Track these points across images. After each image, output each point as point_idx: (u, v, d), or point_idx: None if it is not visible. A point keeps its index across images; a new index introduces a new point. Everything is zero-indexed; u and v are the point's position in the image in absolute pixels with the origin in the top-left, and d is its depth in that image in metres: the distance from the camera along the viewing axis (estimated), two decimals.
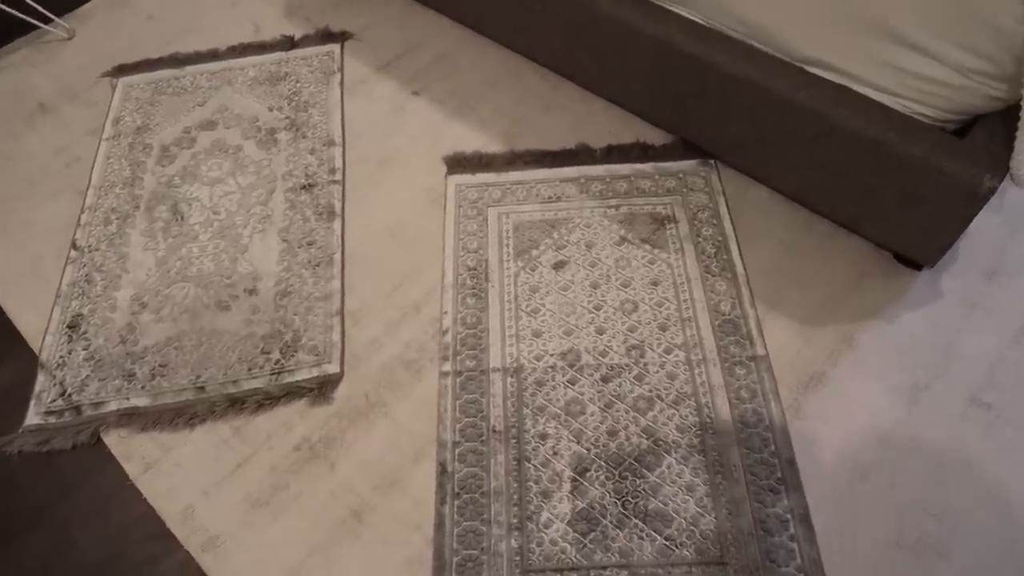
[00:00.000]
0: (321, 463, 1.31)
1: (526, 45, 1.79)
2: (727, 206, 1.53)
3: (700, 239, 1.50)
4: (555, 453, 1.28)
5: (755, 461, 1.24)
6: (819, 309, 1.39)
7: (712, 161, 1.60)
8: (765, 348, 1.35)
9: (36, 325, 1.53)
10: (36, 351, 1.49)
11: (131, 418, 1.39)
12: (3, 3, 1.94)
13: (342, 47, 1.91)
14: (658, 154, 1.62)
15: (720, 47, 1.41)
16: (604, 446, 1.28)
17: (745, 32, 1.41)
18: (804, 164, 1.42)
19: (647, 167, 1.61)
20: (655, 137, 1.65)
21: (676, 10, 1.48)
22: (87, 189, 1.71)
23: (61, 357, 1.48)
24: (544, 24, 1.66)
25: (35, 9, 1.99)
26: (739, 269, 1.45)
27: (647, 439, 1.28)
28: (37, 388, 1.45)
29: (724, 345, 1.37)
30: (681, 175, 1.59)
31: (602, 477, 1.25)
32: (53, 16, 2.02)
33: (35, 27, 2.02)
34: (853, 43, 1.29)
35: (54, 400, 1.43)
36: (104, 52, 1.99)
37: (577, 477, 1.26)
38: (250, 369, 1.42)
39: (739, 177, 1.57)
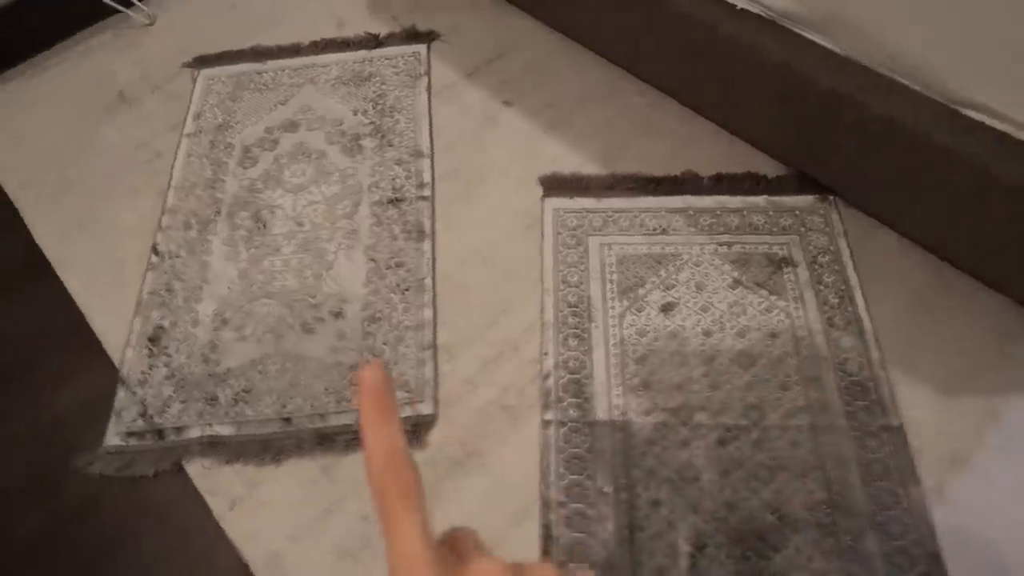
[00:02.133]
0: None
1: (628, 58, 1.47)
2: (850, 251, 1.25)
3: (821, 287, 1.22)
4: (669, 524, 1.04)
5: (894, 550, 0.99)
6: (959, 376, 1.11)
7: (832, 198, 1.31)
8: (899, 418, 1.09)
9: (117, 334, 1.28)
10: (117, 363, 1.26)
11: (215, 447, 1.16)
12: None
13: (428, 48, 1.60)
14: (772, 187, 1.32)
15: (868, 84, 1.11)
16: (723, 519, 1.04)
17: (892, 68, 1.10)
18: (947, 213, 1.14)
19: (760, 200, 1.32)
20: (767, 167, 1.35)
21: (813, 38, 1.16)
22: (168, 189, 1.44)
23: (142, 373, 1.24)
24: (654, 40, 1.35)
25: None
26: (866, 324, 1.17)
27: (771, 514, 1.03)
28: (117, 404, 1.21)
29: (853, 411, 1.10)
30: (798, 212, 1.30)
31: (723, 555, 1.01)
32: (135, 0, 1.72)
33: (116, 11, 1.72)
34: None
35: (135, 420, 1.20)
36: (185, 41, 1.69)
37: (696, 552, 1.02)
38: (338, 402, 1.18)
39: (862, 218, 1.27)
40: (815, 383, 1.13)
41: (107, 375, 1.25)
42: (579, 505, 1.06)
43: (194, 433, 1.17)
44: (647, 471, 1.08)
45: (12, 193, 1.48)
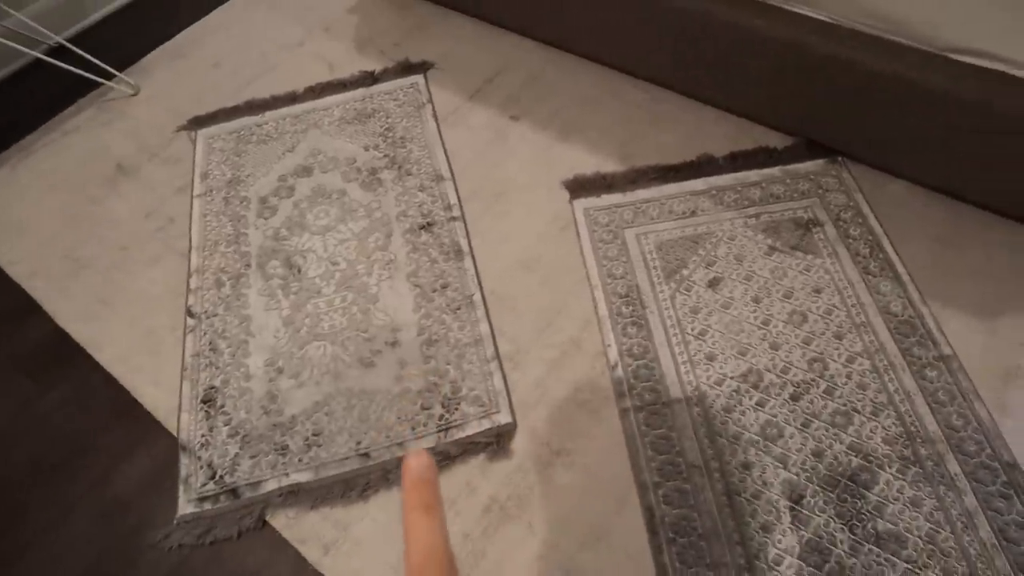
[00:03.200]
0: (517, 525, 1.11)
1: (624, 59, 1.58)
2: (868, 204, 1.36)
3: (850, 240, 1.32)
4: (764, 483, 1.10)
5: (975, 467, 1.08)
6: (994, 299, 1.23)
7: (840, 158, 1.43)
8: (950, 347, 1.19)
9: (166, 403, 1.28)
10: (173, 431, 1.26)
11: (296, 495, 1.16)
12: (61, 62, 1.67)
13: (425, 77, 1.68)
14: (783, 157, 1.44)
15: (860, 45, 1.24)
16: (813, 469, 1.11)
17: (882, 28, 1.22)
18: (954, 155, 1.26)
19: (775, 171, 1.43)
20: (774, 140, 1.47)
21: (800, 11, 1.29)
22: (189, 251, 1.46)
23: (203, 436, 1.24)
24: (650, 37, 1.46)
25: (96, 65, 1.72)
26: (899, 268, 1.28)
27: (856, 456, 1.11)
28: (183, 472, 1.21)
29: (906, 348, 1.20)
30: (812, 176, 1.42)
31: (820, 503, 1.08)
32: (115, 71, 1.74)
33: (98, 85, 1.74)
34: (1016, 26, 1.13)
35: (204, 484, 1.20)
36: (174, 105, 1.72)
37: (795, 506, 1.08)
38: (414, 428, 1.21)
39: (872, 173, 1.40)
40: (866, 328, 1.22)
41: (165, 445, 1.25)
42: (674, 482, 1.11)
43: (271, 485, 1.18)
44: (731, 437, 1.14)
45: (24, 283, 1.46)
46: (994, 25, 1.09)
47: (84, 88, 1.76)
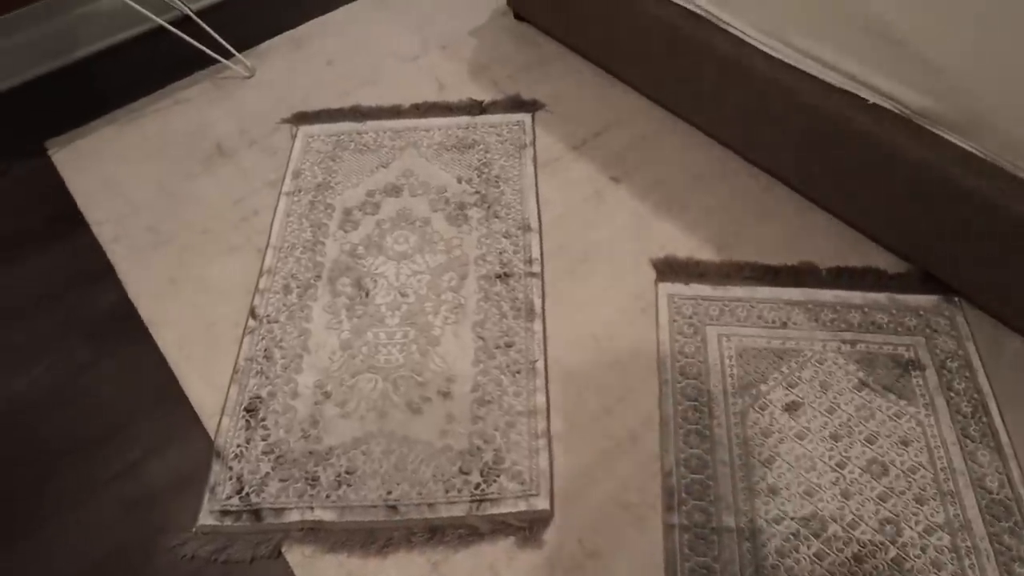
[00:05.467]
0: None
1: (740, 141, 1.49)
2: (979, 357, 1.23)
3: (952, 394, 1.20)
4: None
5: None
6: None
7: (956, 299, 1.30)
8: None
9: (211, 402, 1.27)
10: (211, 433, 1.24)
11: (316, 533, 1.13)
12: (185, 34, 1.69)
13: (533, 118, 1.62)
14: (894, 284, 1.32)
15: (1005, 187, 1.11)
16: None
17: None
18: None
19: (882, 298, 1.31)
20: (887, 262, 1.35)
21: (949, 138, 1.17)
22: (266, 248, 1.45)
23: (239, 446, 1.22)
24: (775, 126, 1.36)
25: (217, 42, 1.73)
26: (1003, 437, 1.15)
27: None
28: (212, 479, 1.19)
29: (996, 533, 1.07)
30: (922, 312, 1.29)
31: None
32: (235, 51, 1.75)
33: (215, 61, 1.75)
34: None
35: (230, 497, 1.17)
36: (283, 95, 1.72)
37: None
38: (447, 491, 1.15)
39: (989, 321, 1.27)
40: (953, 499, 1.10)
41: (201, 445, 1.23)
42: None
43: (294, 516, 1.14)
44: None
45: (106, 245, 1.48)
46: None
47: (203, 62, 1.77)
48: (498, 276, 1.38)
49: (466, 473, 1.17)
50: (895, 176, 1.24)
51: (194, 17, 1.77)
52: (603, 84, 1.68)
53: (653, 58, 1.53)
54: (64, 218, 1.55)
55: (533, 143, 1.58)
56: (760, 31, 1.32)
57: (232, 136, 1.65)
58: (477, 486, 1.15)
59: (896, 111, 1.23)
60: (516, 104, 1.65)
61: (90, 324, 1.39)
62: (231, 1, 1.98)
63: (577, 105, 1.65)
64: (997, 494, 1.11)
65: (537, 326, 1.32)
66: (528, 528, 1.11)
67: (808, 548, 1.08)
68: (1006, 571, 1.04)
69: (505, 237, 1.44)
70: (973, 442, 1.16)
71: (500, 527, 1.11)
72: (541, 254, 1.40)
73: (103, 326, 1.40)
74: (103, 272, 1.46)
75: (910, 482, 1.12)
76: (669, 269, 1.37)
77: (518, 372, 1.27)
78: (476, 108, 1.64)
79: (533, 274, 1.38)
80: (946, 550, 1.06)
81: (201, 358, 1.33)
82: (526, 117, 1.63)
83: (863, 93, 1.23)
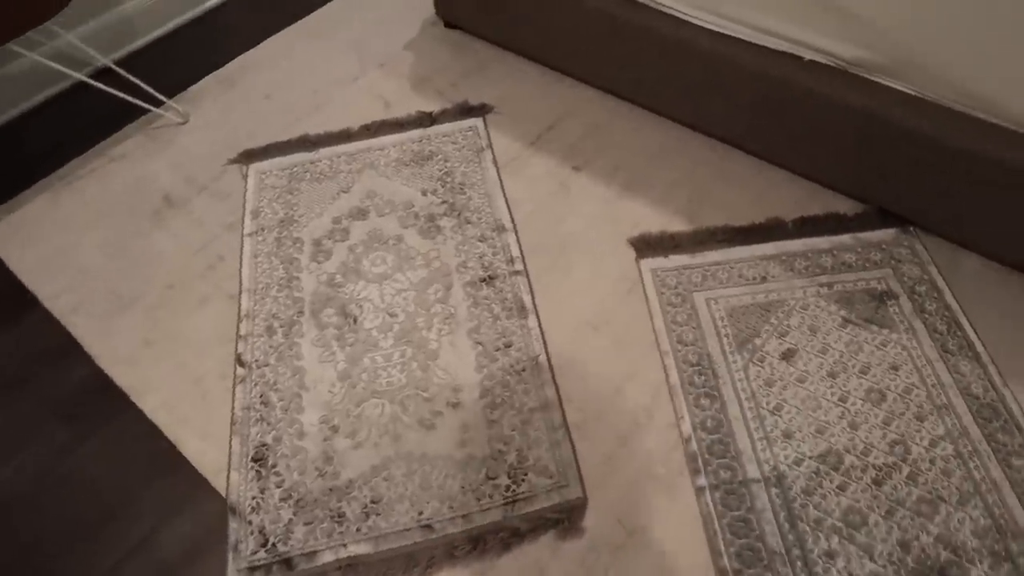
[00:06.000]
0: None
1: (691, 115, 1.54)
2: (943, 278, 1.32)
3: (927, 315, 1.28)
4: (850, 574, 1.05)
5: None
6: None
7: (912, 228, 1.39)
8: None
9: (214, 460, 1.21)
10: (221, 491, 1.18)
11: (355, 569, 1.10)
12: (108, 86, 1.61)
13: (484, 121, 1.63)
14: (854, 224, 1.40)
15: (941, 120, 1.21)
16: (900, 561, 1.05)
17: (969, 104, 1.20)
18: None
19: (846, 239, 1.39)
20: (844, 206, 1.43)
21: (886, 83, 1.26)
22: (239, 293, 1.40)
23: (254, 498, 1.17)
24: (722, 97, 1.42)
25: (143, 91, 1.66)
26: (979, 347, 1.24)
27: (944, 549, 1.06)
28: (232, 538, 1.14)
29: (990, 433, 1.15)
30: (884, 246, 1.38)
31: None
32: (164, 98, 1.68)
33: (145, 111, 1.67)
34: None
35: (255, 552, 1.12)
36: (224, 136, 1.66)
37: None
38: (479, 499, 1.14)
39: (946, 245, 1.36)
40: (947, 410, 1.18)
41: (212, 506, 1.18)
42: (755, 570, 1.06)
43: (328, 557, 1.11)
44: (813, 522, 1.09)
45: (64, 318, 1.39)
46: None
47: (132, 114, 1.69)
48: (483, 280, 1.39)
49: (493, 478, 1.17)
50: (841, 126, 1.32)
51: (113, 67, 1.68)
52: (546, 80, 1.71)
53: (594, 49, 1.57)
54: (9, 297, 1.45)
55: (490, 146, 1.59)
56: (695, 7, 1.38)
57: (178, 185, 1.59)
58: (507, 488, 1.15)
59: (833, 64, 1.31)
60: (465, 110, 1.66)
61: (64, 404, 1.30)
62: (149, 47, 1.91)
63: (525, 103, 1.67)
64: (984, 398, 1.19)
65: (532, 322, 1.33)
66: (566, 518, 1.12)
67: (831, 482, 1.13)
68: (1006, 465, 1.12)
69: (481, 241, 1.44)
70: (953, 355, 1.24)
71: (538, 523, 1.12)
72: (521, 252, 1.41)
73: (78, 403, 1.31)
74: (67, 347, 1.36)
75: (907, 403, 1.20)
76: (646, 245, 1.41)
77: (523, 370, 1.27)
78: (427, 120, 1.64)
79: (517, 272, 1.39)
80: (952, 458, 1.14)
81: (194, 417, 1.27)
82: (477, 121, 1.64)
83: (800, 52, 1.31)
